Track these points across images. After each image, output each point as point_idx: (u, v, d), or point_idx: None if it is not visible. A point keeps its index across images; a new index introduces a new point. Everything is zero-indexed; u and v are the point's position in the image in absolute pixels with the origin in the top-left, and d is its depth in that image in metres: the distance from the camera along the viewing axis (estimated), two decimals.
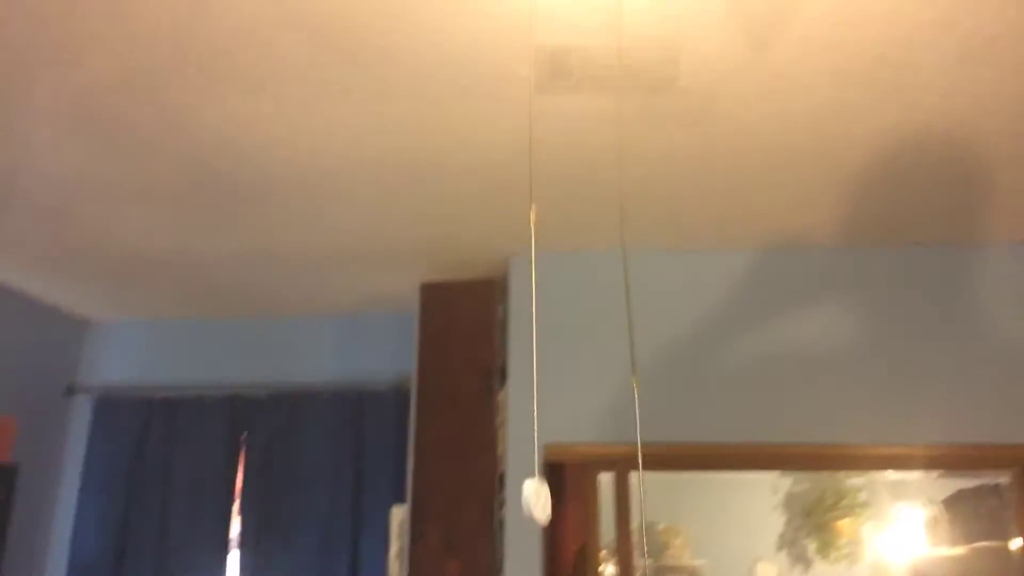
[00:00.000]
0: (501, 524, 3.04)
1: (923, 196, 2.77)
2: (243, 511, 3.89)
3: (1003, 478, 3.01)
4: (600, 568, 3.17)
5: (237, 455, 3.97)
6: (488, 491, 3.09)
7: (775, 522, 4.82)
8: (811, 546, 4.71)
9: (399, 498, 3.54)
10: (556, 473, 3.16)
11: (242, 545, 3.85)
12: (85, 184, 2.77)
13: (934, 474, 3.70)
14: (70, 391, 4.17)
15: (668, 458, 2.99)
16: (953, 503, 3.70)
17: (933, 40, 1.96)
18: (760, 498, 4.80)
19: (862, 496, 4.64)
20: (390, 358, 3.89)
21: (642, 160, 2.56)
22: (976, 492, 3.44)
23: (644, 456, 2.99)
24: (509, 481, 3.04)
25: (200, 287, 3.84)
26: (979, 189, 2.73)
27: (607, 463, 3.06)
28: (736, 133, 2.40)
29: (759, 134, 2.40)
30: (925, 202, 2.82)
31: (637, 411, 3.01)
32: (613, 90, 2.17)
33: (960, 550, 3.67)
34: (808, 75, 2.11)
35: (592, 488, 3.12)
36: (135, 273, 3.68)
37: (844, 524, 4.65)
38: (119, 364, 4.24)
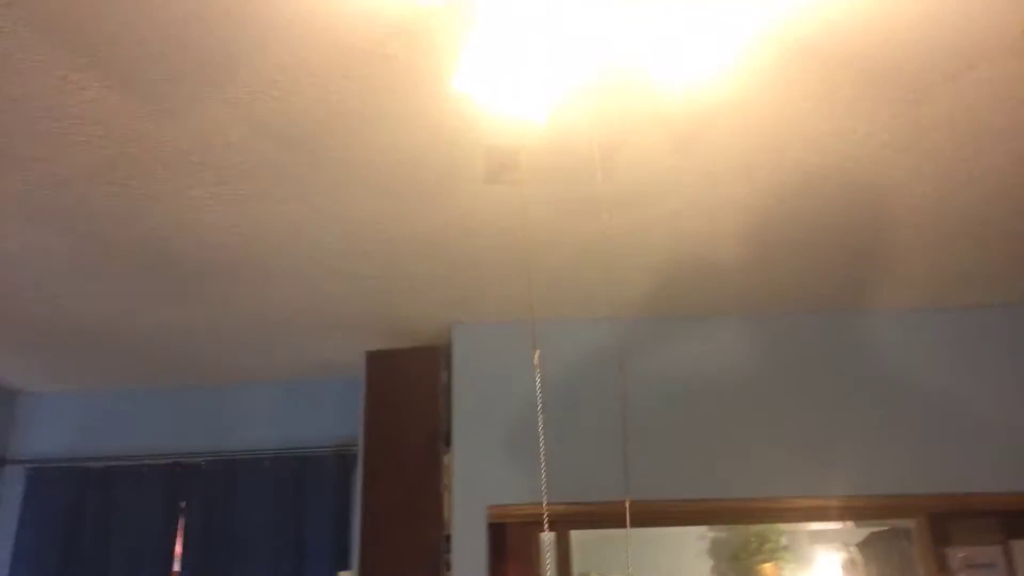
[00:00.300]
0: None
1: (829, 266, 3.04)
2: None
3: (911, 523, 3.27)
4: None
5: (176, 524, 3.95)
6: (434, 554, 3.18)
7: (702, 568, 5.00)
8: None
9: (341, 565, 3.59)
10: (498, 533, 3.27)
11: None
12: (28, 258, 2.78)
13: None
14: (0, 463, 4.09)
15: (602, 516, 3.14)
16: (867, 546, 3.96)
17: (828, 146, 2.22)
18: (688, 545, 4.98)
19: (783, 541, 4.87)
20: (332, 424, 3.95)
21: (576, 240, 2.75)
22: (888, 535, 3.70)
23: (578, 514, 3.15)
24: (455, 544, 3.14)
25: (139, 357, 3.84)
26: (873, 261, 3.02)
27: (548, 523, 3.19)
28: (659, 219, 2.61)
29: (681, 219, 2.62)
30: (830, 272, 3.09)
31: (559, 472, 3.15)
32: (550, 181, 2.36)
33: None
34: (722, 172, 2.34)
35: (534, 547, 3.25)
36: (72, 344, 3.66)
37: (767, 568, 4.86)
38: (53, 435, 4.17)
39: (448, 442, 3.32)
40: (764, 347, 3.39)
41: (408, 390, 3.37)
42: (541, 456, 3.08)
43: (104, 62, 1.80)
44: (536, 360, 2.90)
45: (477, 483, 3.20)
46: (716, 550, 5.10)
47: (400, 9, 1.50)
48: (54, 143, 2.10)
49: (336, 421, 3.92)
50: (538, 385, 2.88)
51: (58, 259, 2.80)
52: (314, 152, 2.19)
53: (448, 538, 3.21)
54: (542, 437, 2.31)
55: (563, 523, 3.22)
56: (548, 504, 3.13)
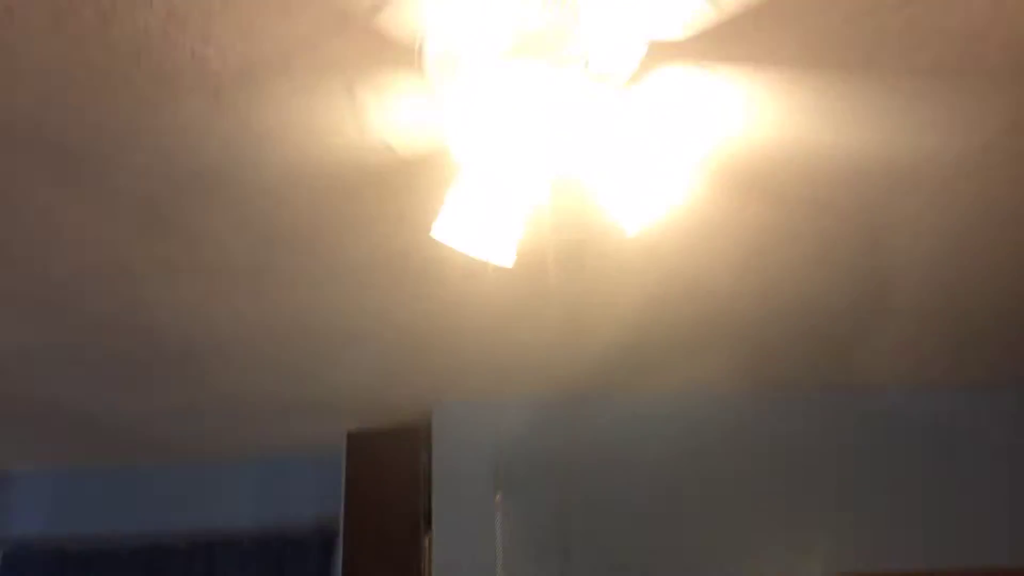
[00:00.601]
0: None
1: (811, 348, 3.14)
2: None
3: None
4: None
5: None
6: None
7: None
8: None
9: None
10: None
11: None
12: (8, 343, 2.82)
13: None
14: None
15: None
16: None
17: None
18: None
19: None
20: (312, 502, 3.95)
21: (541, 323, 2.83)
22: None
23: None
24: None
25: (118, 437, 3.84)
26: (849, 343, 3.12)
27: None
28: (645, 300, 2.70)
29: (664, 302, 2.72)
30: (805, 352, 3.19)
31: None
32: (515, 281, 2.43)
33: None
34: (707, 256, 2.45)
35: None
36: (50, 425, 3.67)
37: None
38: (30, 516, 4.14)
39: (429, 523, 3.34)
40: (749, 425, 3.46)
41: (389, 471, 3.41)
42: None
43: (95, 176, 1.88)
44: (497, 500, 2.95)
45: (456, 566, 3.21)
46: None
47: (379, 157, 1.59)
48: (44, 247, 2.17)
49: (317, 499, 3.92)
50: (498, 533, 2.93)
51: (39, 344, 2.84)
52: (301, 251, 2.27)
53: None
54: None
55: None
56: None
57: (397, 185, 1.84)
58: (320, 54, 1.48)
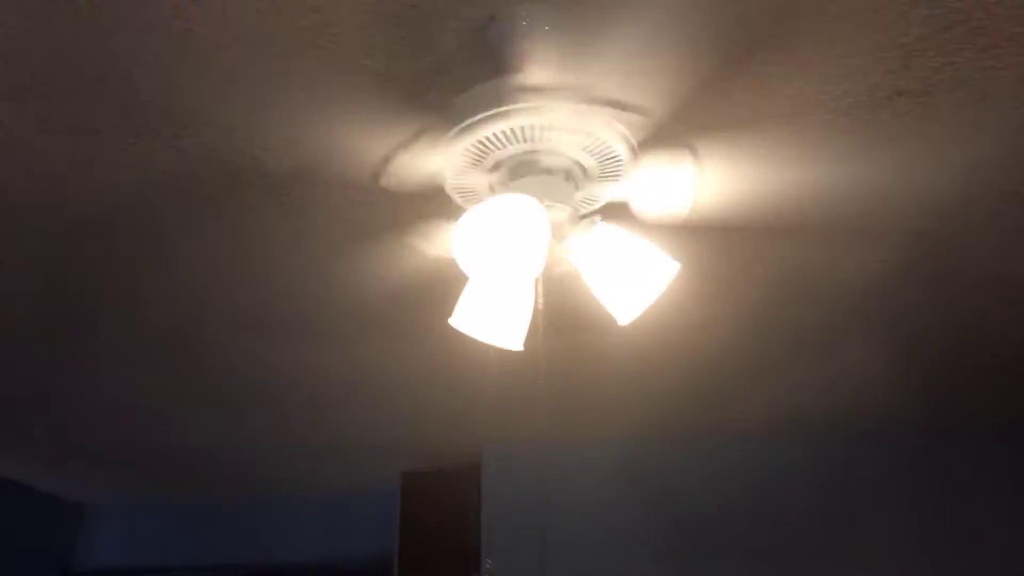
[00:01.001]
0: None
1: None
2: None
3: None
4: None
5: None
6: None
7: None
8: None
9: None
10: None
11: None
12: (116, 398, 3.12)
13: None
14: (63, 574, 4.37)
15: None
16: None
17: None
18: None
19: None
20: (369, 538, 4.14)
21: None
22: None
23: None
24: None
25: (194, 473, 4.14)
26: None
27: None
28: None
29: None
30: None
31: None
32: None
33: None
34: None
35: None
36: (134, 462, 3.99)
37: None
38: (111, 547, 4.45)
39: (479, 562, 3.51)
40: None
41: (441, 510, 3.59)
42: None
43: (176, 258, 2.14)
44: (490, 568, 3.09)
45: None
46: None
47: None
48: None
49: (373, 535, 4.11)
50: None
51: (139, 395, 3.14)
52: (367, 321, 2.51)
53: None
54: None
55: None
56: None
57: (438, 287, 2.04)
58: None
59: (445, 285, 2.25)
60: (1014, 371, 2.99)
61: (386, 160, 1.55)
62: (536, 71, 1.29)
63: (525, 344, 1.44)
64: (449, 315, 1.50)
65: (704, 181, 1.58)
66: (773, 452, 3.54)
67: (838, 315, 2.52)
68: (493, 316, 1.37)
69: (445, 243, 1.63)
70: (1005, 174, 1.83)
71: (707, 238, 1.86)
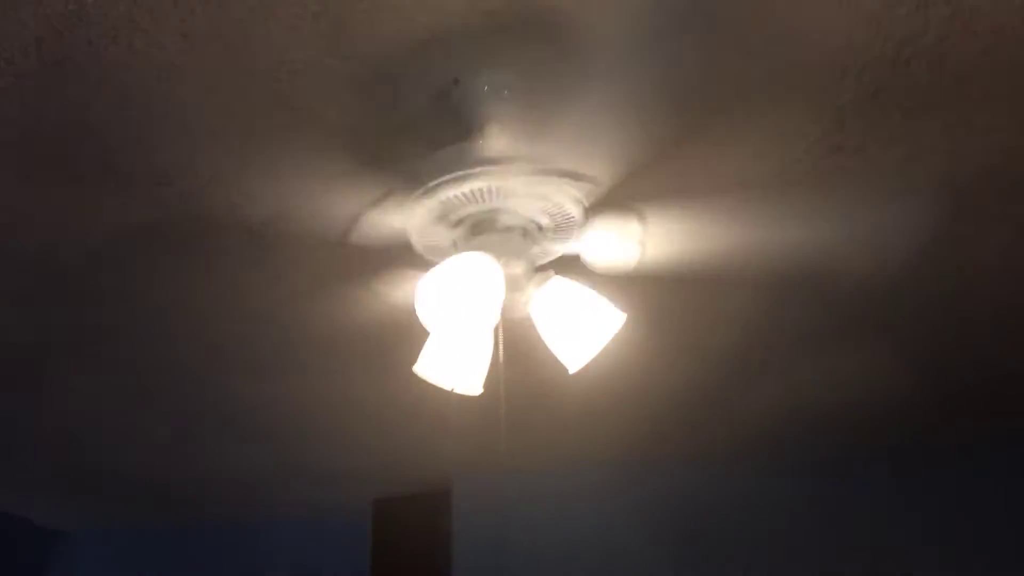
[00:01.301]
0: None
1: None
2: None
3: None
4: None
5: None
6: None
7: None
8: None
9: None
10: None
11: None
12: (91, 425, 3.17)
13: None
14: None
15: None
16: None
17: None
18: None
19: None
20: (341, 563, 4.18)
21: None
22: None
23: None
24: None
25: (168, 499, 4.17)
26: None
27: None
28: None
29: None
30: None
31: None
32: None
33: None
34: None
35: None
36: (107, 489, 4.02)
37: None
38: (84, 573, 4.47)
39: None
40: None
41: (412, 536, 3.65)
42: None
43: (158, 305, 2.23)
44: None
45: None
46: None
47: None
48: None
49: (346, 560, 4.15)
50: None
51: (111, 424, 3.19)
52: (332, 354, 2.59)
53: None
54: None
55: None
56: None
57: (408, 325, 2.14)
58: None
59: (412, 324, 2.36)
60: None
61: (355, 216, 1.65)
62: (498, 139, 1.40)
63: (489, 381, 1.54)
64: (417, 349, 1.60)
65: (651, 238, 1.70)
66: (736, 475, 3.64)
67: (784, 357, 2.67)
68: (453, 365, 1.47)
69: (410, 290, 1.73)
70: (932, 222, 1.96)
71: (655, 288, 1.98)
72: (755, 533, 3.51)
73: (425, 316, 1.27)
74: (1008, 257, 2.15)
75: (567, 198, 1.43)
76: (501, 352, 1.53)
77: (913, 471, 3.50)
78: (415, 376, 2.79)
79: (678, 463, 3.63)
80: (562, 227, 1.49)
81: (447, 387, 1.52)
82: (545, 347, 1.55)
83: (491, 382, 1.61)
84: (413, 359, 2.63)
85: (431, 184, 1.36)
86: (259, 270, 2.15)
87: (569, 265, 1.62)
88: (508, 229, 1.43)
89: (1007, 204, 1.93)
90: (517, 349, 1.90)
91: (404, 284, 1.77)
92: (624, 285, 1.74)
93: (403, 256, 1.70)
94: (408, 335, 2.39)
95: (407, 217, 1.45)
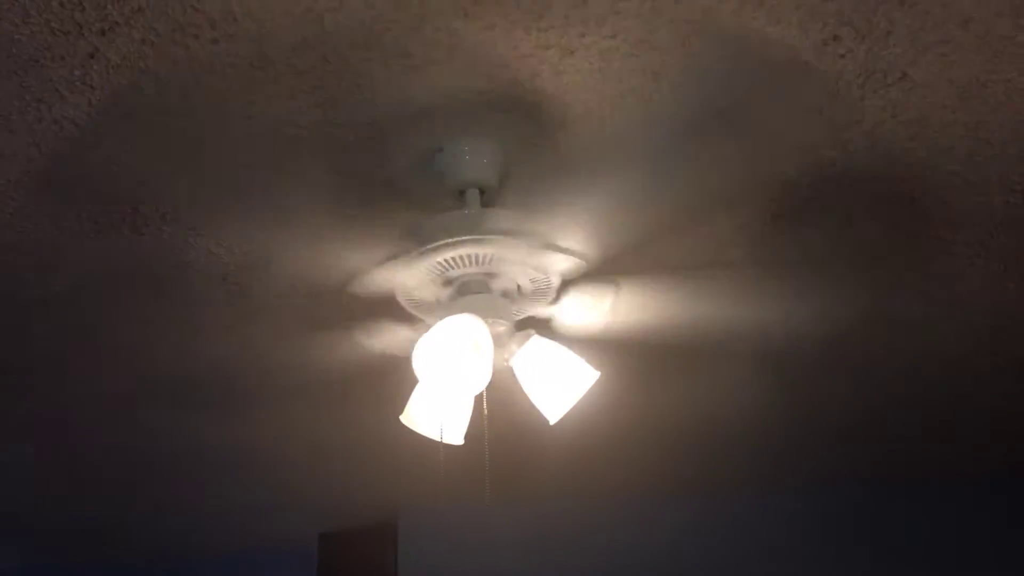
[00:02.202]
0: None
1: None
2: None
3: None
4: None
5: None
6: None
7: None
8: None
9: None
10: None
11: None
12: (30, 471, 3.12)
13: None
14: None
15: None
16: None
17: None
18: None
19: None
20: None
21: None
22: None
23: None
24: None
25: (109, 535, 4.09)
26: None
27: None
28: None
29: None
30: None
31: None
32: None
33: None
34: None
35: None
36: (43, 529, 3.92)
37: None
38: None
39: None
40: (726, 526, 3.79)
41: (359, 571, 3.68)
42: None
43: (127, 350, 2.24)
44: None
45: None
46: None
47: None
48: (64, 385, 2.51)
49: None
50: None
51: (41, 462, 3.13)
52: (276, 387, 2.63)
53: None
54: None
55: None
56: None
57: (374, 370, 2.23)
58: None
59: (378, 368, 2.43)
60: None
61: (332, 269, 1.74)
62: (495, 209, 1.52)
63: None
64: (377, 391, 1.67)
65: (622, 305, 1.86)
66: (702, 510, 3.79)
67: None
68: (439, 418, 1.57)
69: (387, 340, 1.83)
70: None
71: (623, 350, 2.15)
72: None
73: (422, 373, 1.36)
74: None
75: (554, 270, 1.57)
76: (485, 404, 1.63)
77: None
78: (365, 410, 2.87)
79: (634, 500, 3.75)
80: (540, 291, 1.62)
81: (432, 436, 1.62)
82: (519, 395, 1.66)
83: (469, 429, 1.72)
84: (365, 395, 2.71)
85: (431, 246, 1.46)
86: (229, 311, 2.20)
87: (539, 324, 1.76)
88: (492, 290, 1.53)
89: None
90: (492, 402, 2.01)
91: (381, 334, 1.86)
92: (588, 346, 1.88)
93: (383, 306, 1.79)
94: (368, 375, 2.48)
95: (397, 274, 1.54)
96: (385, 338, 1.89)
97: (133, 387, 2.59)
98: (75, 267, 1.97)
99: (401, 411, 1.73)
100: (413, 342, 1.42)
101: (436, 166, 1.61)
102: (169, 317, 2.19)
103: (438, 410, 1.57)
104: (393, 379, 2.13)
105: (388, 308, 1.84)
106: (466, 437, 1.75)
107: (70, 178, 1.68)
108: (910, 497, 3.75)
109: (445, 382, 1.38)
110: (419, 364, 1.35)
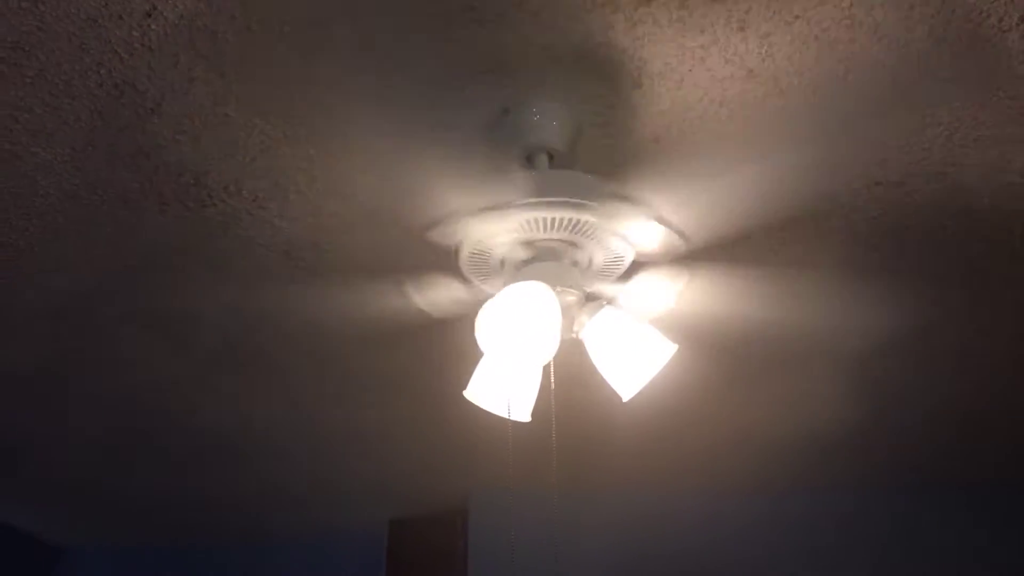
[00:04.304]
0: None
1: None
2: None
3: None
4: None
5: None
6: None
7: None
8: None
9: None
10: None
11: None
12: (86, 438, 3.17)
13: None
14: None
15: None
16: None
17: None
18: None
19: None
20: None
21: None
22: None
23: None
24: None
25: (177, 517, 4.15)
26: None
27: None
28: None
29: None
30: None
31: None
32: None
33: None
34: None
35: None
36: (114, 505, 3.99)
37: None
38: None
39: None
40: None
41: (428, 557, 3.64)
42: None
43: (182, 319, 2.23)
44: None
45: None
46: None
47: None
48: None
49: None
50: None
51: (113, 437, 3.18)
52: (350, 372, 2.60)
53: None
54: None
55: None
56: None
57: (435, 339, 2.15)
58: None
59: (441, 342, 2.36)
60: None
61: (406, 228, 1.66)
62: (606, 176, 1.43)
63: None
64: (442, 371, 1.59)
65: (691, 294, 1.76)
66: (759, 509, 3.64)
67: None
68: (506, 391, 1.48)
69: (445, 306, 1.73)
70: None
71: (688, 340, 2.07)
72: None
73: (485, 342, 1.27)
74: None
75: (639, 245, 1.46)
76: (552, 379, 1.54)
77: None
78: (435, 392, 2.81)
79: (703, 495, 3.63)
80: (612, 266, 1.51)
81: (498, 412, 1.53)
82: (590, 375, 1.56)
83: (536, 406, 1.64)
84: (432, 375, 2.66)
85: (525, 201, 1.35)
86: (291, 291, 2.16)
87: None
88: (560, 258, 1.44)
89: None
90: (561, 378, 1.92)
91: (432, 290, 1.76)
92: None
93: (441, 261, 1.70)
94: (431, 351, 2.42)
95: (475, 228, 1.44)
96: (449, 307, 1.80)
97: (198, 368, 2.58)
98: (143, 243, 1.95)
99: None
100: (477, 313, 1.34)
101: (502, 128, 1.52)
102: (234, 293, 2.15)
103: (504, 384, 1.48)
104: (461, 355, 2.08)
105: (451, 272, 1.75)
106: (536, 418, 1.65)
107: (134, 148, 1.65)
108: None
109: (510, 351, 1.29)
110: (482, 332, 1.27)
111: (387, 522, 3.74)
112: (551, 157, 1.48)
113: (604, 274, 1.51)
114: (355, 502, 3.86)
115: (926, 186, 1.75)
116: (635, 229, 1.42)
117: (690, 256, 1.73)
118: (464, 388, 1.64)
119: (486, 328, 1.27)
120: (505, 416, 1.48)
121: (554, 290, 1.33)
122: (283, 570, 4.35)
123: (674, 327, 1.94)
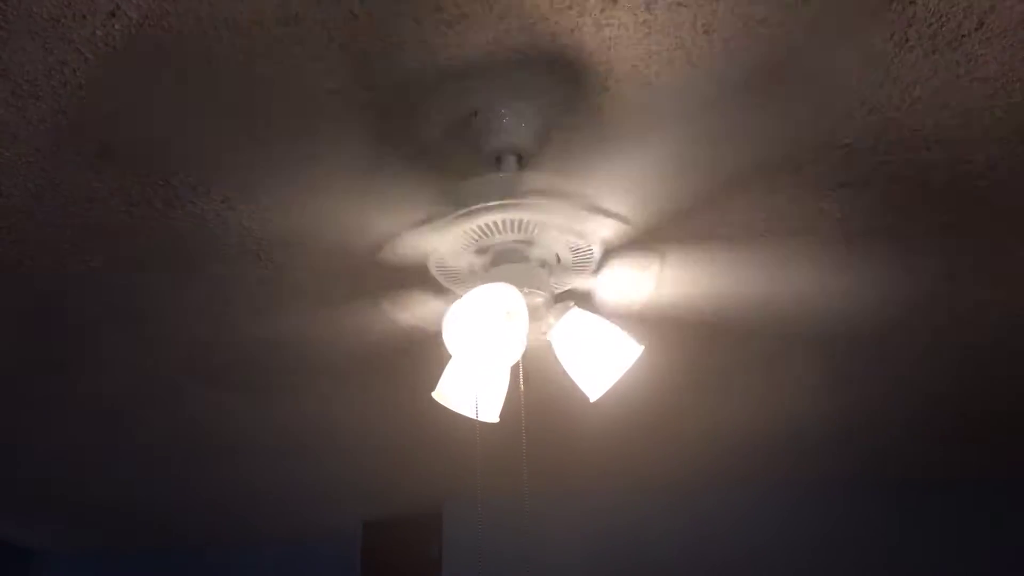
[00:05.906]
0: None
1: None
2: None
3: None
4: None
5: None
6: None
7: None
8: None
9: None
10: None
11: None
12: (77, 454, 3.13)
13: None
14: None
15: None
16: None
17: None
18: None
19: None
20: None
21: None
22: None
23: None
24: None
25: (150, 521, 4.11)
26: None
27: None
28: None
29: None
30: None
31: None
32: None
33: None
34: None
35: None
36: (85, 509, 3.95)
37: None
38: None
39: None
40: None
41: (402, 559, 3.63)
42: None
43: (157, 322, 2.21)
44: None
45: None
46: None
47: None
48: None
49: None
50: None
51: (96, 442, 3.15)
52: (327, 372, 2.58)
53: None
54: None
55: None
56: None
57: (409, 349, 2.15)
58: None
59: (414, 348, 2.36)
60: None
61: (369, 239, 1.66)
62: (538, 172, 1.43)
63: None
64: (416, 374, 1.59)
65: (666, 279, 1.74)
66: (730, 506, 3.66)
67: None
68: (473, 393, 1.48)
69: (417, 313, 1.75)
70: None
71: (668, 327, 2.03)
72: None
73: (452, 344, 1.28)
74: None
75: (597, 236, 1.46)
76: (522, 380, 1.54)
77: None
78: (412, 398, 2.81)
79: (677, 492, 3.65)
80: (581, 262, 1.52)
81: (466, 414, 1.53)
82: (558, 377, 1.57)
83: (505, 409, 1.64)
84: (410, 381, 2.65)
85: (465, 210, 1.37)
86: (261, 292, 2.15)
87: (579, 298, 1.66)
88: (528, 259, 1.44)
89: None
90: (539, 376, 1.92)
91: (411, 306, 1.78)
92: (631, 323, 1.78)
93: (414, 277, 1.71)
94: (410, 358, 2.41)
95: (432, 240, 1.46)
96: (421, 314, 1.81)
97: (169, 369, 2.57)
98: (109, 245, 1.93)
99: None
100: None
101: (471, 131, 1.52)
102: (203, 295, 2.14)
103: (471, 385, 1.49)
104: (435, 359, 2.07)
105: (423, 282, 1.77)
106: (508, 420, 1.66)
107: (99, 148, 1.63)
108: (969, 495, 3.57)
109: (476, 353, 1.29)
110: (449, 334, 1.27)
111: (361, 524, 3.72)
112: (520, 158, 1.49)
113: (577, 269, 1.51)
114: (329, 504, 3.84)
115: (890, 150, 1.69)
116: (580, 222, 1.43)
117: (658, 240, 1.73)
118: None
119: (452, 330, 1.27)
120: (473, 417, 1.48)
121: (521, 291, 1.34)
122: (257, 572, 4.32)
123: (653, 317, 1.95)
